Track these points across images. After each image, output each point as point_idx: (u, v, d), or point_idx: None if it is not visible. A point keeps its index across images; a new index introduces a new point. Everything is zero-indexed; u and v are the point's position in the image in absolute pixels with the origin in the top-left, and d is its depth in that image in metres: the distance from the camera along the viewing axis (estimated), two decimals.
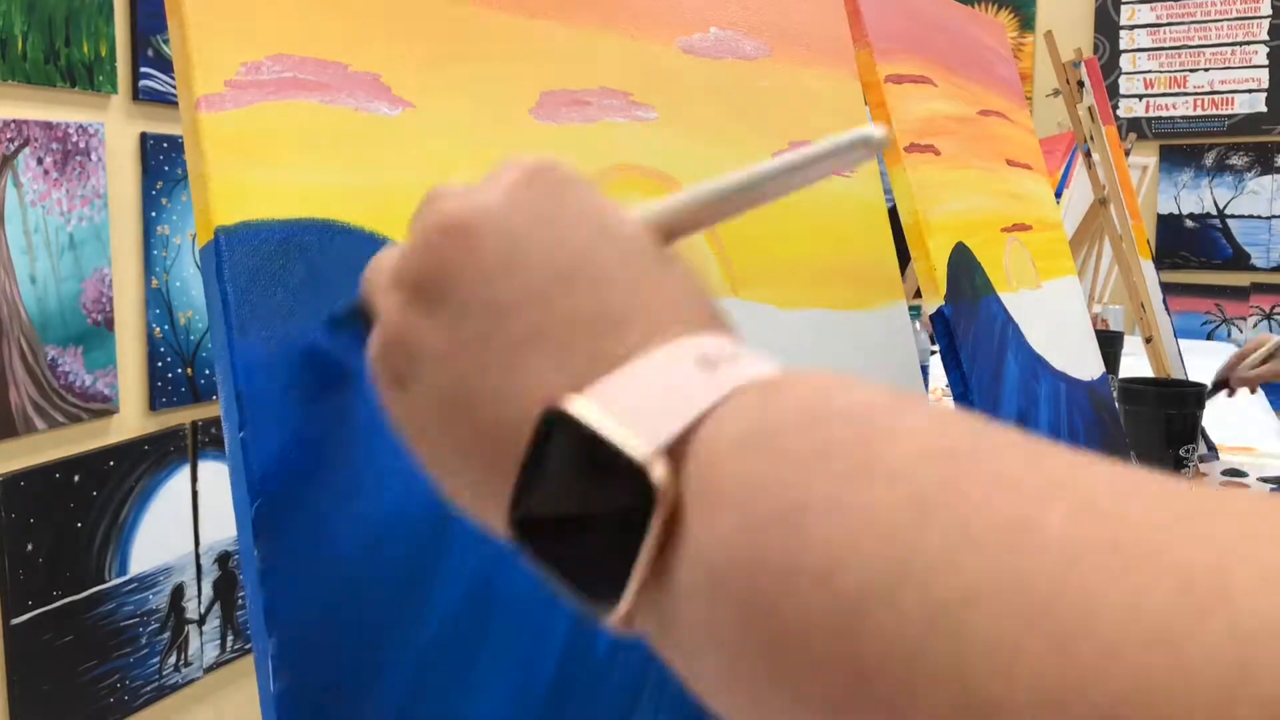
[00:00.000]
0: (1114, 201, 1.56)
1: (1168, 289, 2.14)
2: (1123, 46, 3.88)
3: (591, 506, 0.26)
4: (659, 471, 0.25)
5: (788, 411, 0.25)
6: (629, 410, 0.26)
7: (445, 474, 0.31)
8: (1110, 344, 1.80)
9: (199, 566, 1.72)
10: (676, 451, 0.25)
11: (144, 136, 1.63)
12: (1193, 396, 0.99)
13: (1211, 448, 1.65)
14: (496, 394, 0.29)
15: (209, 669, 1.75)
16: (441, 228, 0.31)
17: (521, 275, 0.29)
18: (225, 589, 1.77)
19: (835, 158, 0.31)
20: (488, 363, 0.29)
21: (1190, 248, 3.83)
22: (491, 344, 0.29)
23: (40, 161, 1.47)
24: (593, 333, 0.28)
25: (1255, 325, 3.73)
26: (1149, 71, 3.86)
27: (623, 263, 0.30)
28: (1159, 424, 0.92)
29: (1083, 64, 1.67)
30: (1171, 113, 3.84)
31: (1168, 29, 3.82)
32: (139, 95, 1.62)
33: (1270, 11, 3.68)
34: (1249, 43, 3.72)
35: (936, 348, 1.00)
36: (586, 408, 0.26)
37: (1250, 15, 3.70)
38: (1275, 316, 3.70)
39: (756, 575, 0.23)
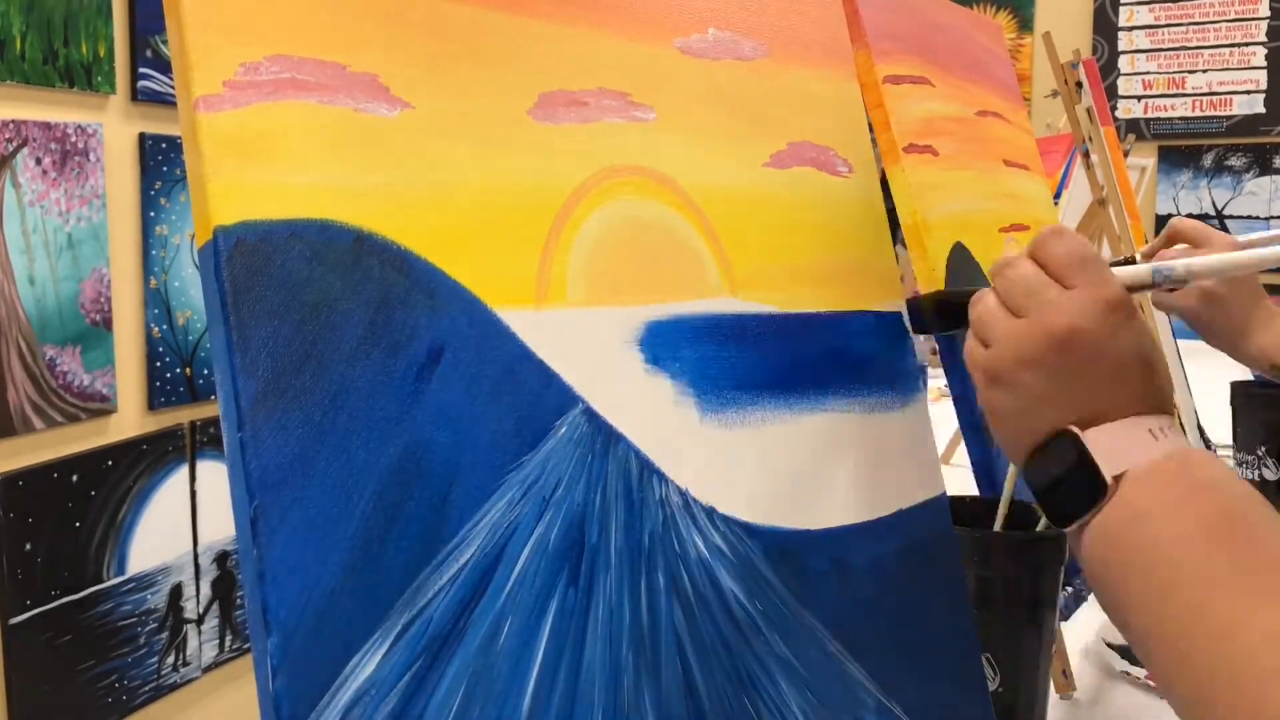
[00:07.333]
0: (1112, 202, 1.56)
1: None
2: (1121, 48, 3.88)
3: (1066, 479, 0.52)
4: (1109, 485, 0.50)
5: (1177, 487, 0.49)
6: (1107, 448, 0.51)
7: (1001, 420, 0.55)
8: None
9: (197, 566, 1.72)
10: (1119, 476, 0.50)
11: (142, 137, 1.63)
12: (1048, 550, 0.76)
13: (1209, 447, 1.65)
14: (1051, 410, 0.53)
15: (207, 669, 1.75)
16: (1054, 343, 0.52)
17: (1087, 372, 0.52)
18: (224, 589, 1.77)
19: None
20: (1052, 400, 0.53)
21: None
22: (1056, 396, 0.53)
23: (39, 162, 1.47)
24: (1111, 404, 0.52)
25: None
26: (1147, 73, 3.86)
27: (1134, 367, 0.52)
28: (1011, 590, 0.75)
29: (1081, 65, 1.67)
30: (1170, 114, 3.84)
31: (1166, 30, 3.82)
32: (137, 96, 1.62)
33: (1268, 13, 3.68)
34: (1247, 44, 3.72)
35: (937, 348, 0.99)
36: (1088, 438, 0.52)
37: (1248, 17, 3.70)
38: None
39: (1110, 563, 0.49)
